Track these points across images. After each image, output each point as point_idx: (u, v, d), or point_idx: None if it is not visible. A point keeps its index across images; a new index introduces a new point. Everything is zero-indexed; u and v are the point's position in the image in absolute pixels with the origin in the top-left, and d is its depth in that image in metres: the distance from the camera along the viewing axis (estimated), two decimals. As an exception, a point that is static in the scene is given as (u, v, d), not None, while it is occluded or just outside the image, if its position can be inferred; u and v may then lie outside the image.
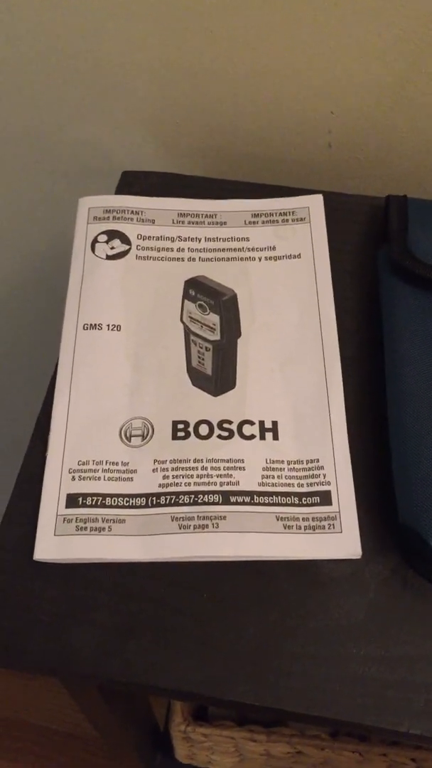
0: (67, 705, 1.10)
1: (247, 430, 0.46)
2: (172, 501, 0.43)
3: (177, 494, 0.43)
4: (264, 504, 0.43)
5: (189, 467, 0.44)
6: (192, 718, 0.71)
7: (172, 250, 0.53)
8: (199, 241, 0.54)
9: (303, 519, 0.43)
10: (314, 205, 0.56)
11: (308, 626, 0.41)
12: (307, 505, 0.43)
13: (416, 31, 0.53)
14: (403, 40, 0.53)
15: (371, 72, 0.56)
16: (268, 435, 0.46)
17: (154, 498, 0.43)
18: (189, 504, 0.43)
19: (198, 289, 0.51)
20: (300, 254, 0.53)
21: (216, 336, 0.49)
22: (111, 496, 0.43)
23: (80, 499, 0.43)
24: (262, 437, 0.45)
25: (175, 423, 0.46)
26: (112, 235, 0.54)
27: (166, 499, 0.43)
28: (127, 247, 0.53)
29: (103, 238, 0.53)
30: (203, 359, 0.48)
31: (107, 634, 0.40)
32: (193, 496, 0.43)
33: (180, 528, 0.42)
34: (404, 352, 0.46)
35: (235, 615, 0.41)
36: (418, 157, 0.60)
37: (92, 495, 0.43)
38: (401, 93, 0.57)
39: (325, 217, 0.55)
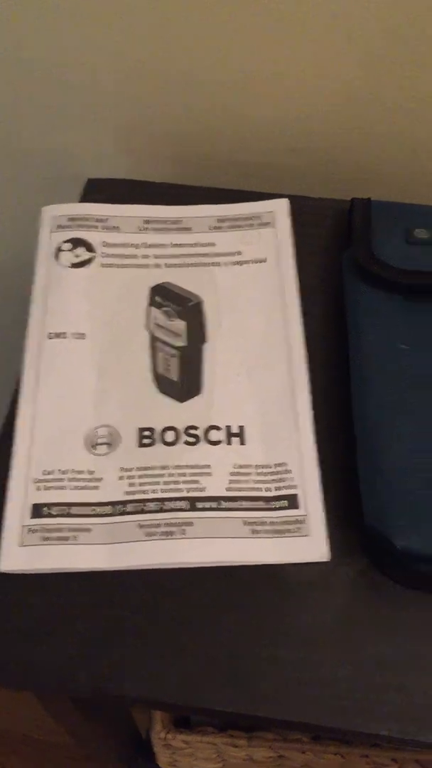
0: (49, 713, 1.10)
1: (214, 435, 0.46)
2: (139, 509, 0.43)
3: (143, 501, 0.43)
4: (231, 509, 0.43)
5: (155, 474, 0.44)
6: (173, 725, 0.71)
7: (137, 257, 0.53)
8: (165, 247, 0.54)
9: (270, 523, 0.43)
10: (279, 209, 0.56)
11: (278, 630, 0.41)
12: (275, 509, 0.43)
13: (383, 36, 0.53)
14: (370, 45, 0.54)
15: (336, 76, 0.56)
16: (235, 440, 0.45)
17: (120, 506, 0.43)
18: (155, 511, 0.43)
19: (163, 296, 0.51)
20: (266, 259, 0.53)
21: (182, 342, 0.49)
22: (76, 505, 0.43)
23: (45, 509, 0.43)
24: (229, 442, 0.45)
25: (140, 430, 0.46)
26: (76, 243, 0.53)
27: (132, 506, 0.43)
28: (92, 254, 0.53)
29: (68, 246, 0.53)
30: (169, 365, 0.48)
31: (77, 644, 0.40)
32: (159, 503, 0.43)
33: (147, 535, 0.42)
34: (369, 354, 0.46)
35: (206, 621, 0.41)
36: (382, 159, 0.61)
37: (57, 505, 0.43)
38: (366, 97, 0.57)
39: (290, 221, 0.55)
